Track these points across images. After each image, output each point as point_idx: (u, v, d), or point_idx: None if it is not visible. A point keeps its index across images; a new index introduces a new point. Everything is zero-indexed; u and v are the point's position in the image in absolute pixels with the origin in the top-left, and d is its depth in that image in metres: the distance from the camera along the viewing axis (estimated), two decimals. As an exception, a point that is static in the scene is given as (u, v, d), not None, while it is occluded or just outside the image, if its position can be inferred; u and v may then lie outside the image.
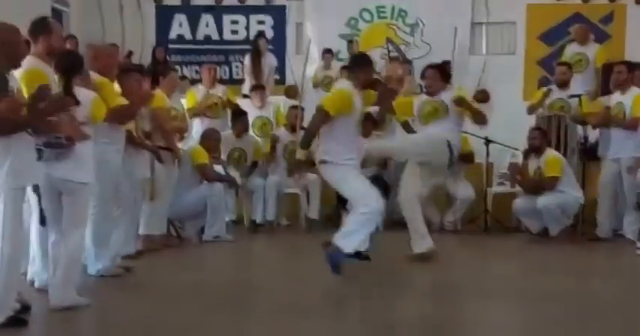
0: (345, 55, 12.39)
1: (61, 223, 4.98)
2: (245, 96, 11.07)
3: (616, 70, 8.49)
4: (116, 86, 6.36)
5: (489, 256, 7.39)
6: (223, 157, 9.15)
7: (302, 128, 9.43)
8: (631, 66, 8.54)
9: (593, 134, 9.22)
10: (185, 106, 9.65)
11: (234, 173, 9.01)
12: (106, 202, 6.06)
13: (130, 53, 11.87)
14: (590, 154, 8.96)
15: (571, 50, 10.97)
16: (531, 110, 9.28)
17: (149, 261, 6.73)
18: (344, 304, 5.46)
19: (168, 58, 12.36)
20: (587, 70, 10.71)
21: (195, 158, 8.28)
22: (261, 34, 12.02)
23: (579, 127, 8.95)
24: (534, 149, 8.46)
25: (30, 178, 4.49)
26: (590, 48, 10.81)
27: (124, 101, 6.10)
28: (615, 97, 8.46)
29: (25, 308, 4.69)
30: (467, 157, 9.11)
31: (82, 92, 5.09)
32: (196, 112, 9.69)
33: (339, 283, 6.11)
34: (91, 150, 5.09)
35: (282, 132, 9.61)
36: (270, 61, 11.66)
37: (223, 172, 8.80)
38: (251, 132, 9.75)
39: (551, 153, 8.43)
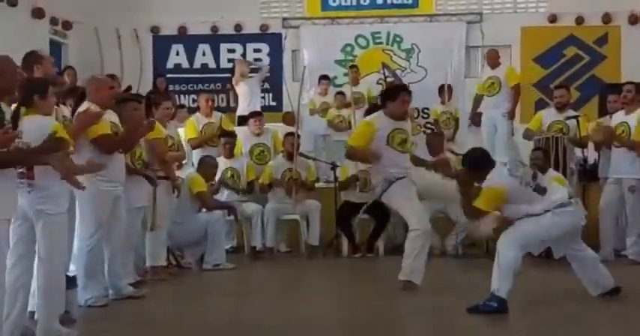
0: (342, 80, 12.45)
1: (30, 255, 4.87)
2: (240, 121, 11.08)
3: (625, 89, 8.53)
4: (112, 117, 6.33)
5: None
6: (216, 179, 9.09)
7: (300, 155, 9.46)
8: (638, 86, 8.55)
9: (592, 155, 9.24)
10: (184, 136, 9.70)
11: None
12: (99, 234, 6.04)
13: (129, 88, 11.94)
14: (589, 175, 8.96)
15: (484, 75, 11.02)
16: (528, 137, 9.28)
17: (149, 290, 6.68)
18: (345, 332, 5.43)
19: (167, 88, 12.41)
20: (501, 92, 10.75)
21: (194, 186, 8.27)
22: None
23: (578, 149, 8.96)
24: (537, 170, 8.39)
25: (13, 210, 4.46)
26: (500, 70, 10.85)
27: (108, 130, 6.08)
28: (619, 117, 8.48)
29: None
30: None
31: (36, 120, 4.87)
32: (199, 142, 9.69)
33: (339, 310, 6.10)
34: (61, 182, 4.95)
35: (279, 159, 9.61)
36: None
37: (227, 193, 8.81)
38: (241, 154, 9.73)
39: (554, 173, 8.38)
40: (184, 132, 9.77)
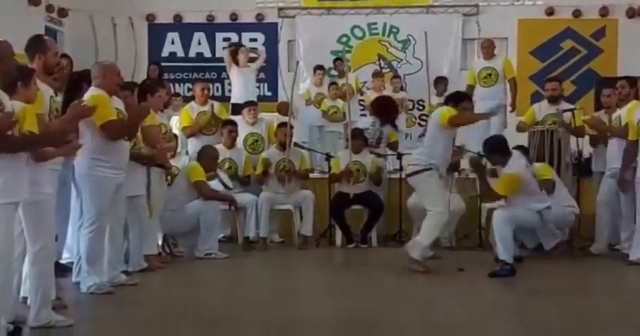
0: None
1: (22, 241, 4.84)
2: (234, 109, 11.01)
3: (618, 85, 8.55)
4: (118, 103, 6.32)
5: (485, 271, 7.35)
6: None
7: (295, 145, 9.42)
8: (631, 81, 8.54)
9: (587, 149, 9.23)
10: (178, 124, 9.67)
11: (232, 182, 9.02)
12: (101, 220, 6.04)
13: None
14: (584, 170, 8.95)
15: (479, 65, 10.97)
16: (521, 129, 9.27)
17: (141, 278, 6.68)
18: (338, 322, 5.42)
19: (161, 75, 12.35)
20: (498, 83, 10.73)
21: (192, 176, 8.24)
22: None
23: (573, 142, 8.94)
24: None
25: (22, 193, 4.44)
26: (496, 62, 10.83)
27: (114, 116, 6.07)
28: (616, 112, 8.49)
29: (18, 329, 4.65)
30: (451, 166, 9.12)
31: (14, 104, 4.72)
32: (194, 131, 9.66)
33: (332, 299, 6.09)
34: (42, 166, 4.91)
35: (272, 150, 9.58)
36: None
37: (225, 182, 8.79)
38: (240, 145, 9.70)
39: (537, 164, 8.39)
40: (178, 120, 9.75)
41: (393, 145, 9.82)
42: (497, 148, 7.63)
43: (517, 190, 7.39)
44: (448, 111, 7.20)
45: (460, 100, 7.42)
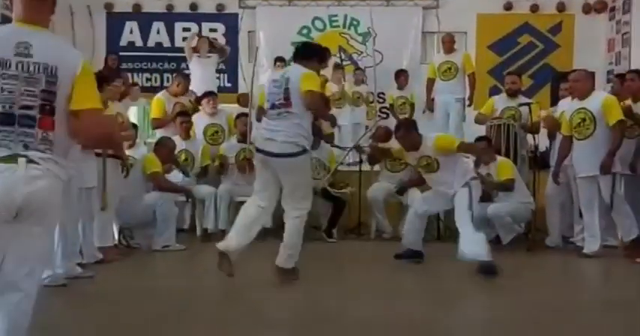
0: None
1: None
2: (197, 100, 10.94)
3: (571, 78, 8.61)
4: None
5: (441, 263, 7.41)
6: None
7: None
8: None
9: (544, 142, 9.33)
10: (150, 114, 9.62)
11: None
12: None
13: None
14: (540, 163, 9.05)
15: (439, 59, 11.14)
16: (480, 121, 9.34)
17: (97, 270, 6.61)
18: (295, 316, 5.43)
19: (120, 65, 12.25)
20: (458, 78, 10.91)
21: (148, 167, 8.19)
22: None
23: (529, 136, 9.04)
24: (484, 161, 8.38)
25: None
26: (456, 56, 10.98)
27: None
28: (564, 105, 8.55)
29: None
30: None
31: None
32: (161, 123, 9.55)
33: (291, 293, 6.09)
34: None
35: (232, 141, 9.54)
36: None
37: (183, 176, 8.75)
38: (200, 137, 9.65)
39: (501, 159, 8.48)
40: (151, 109, 9.70)
41: (329, 138, 9.80)
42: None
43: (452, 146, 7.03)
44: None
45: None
